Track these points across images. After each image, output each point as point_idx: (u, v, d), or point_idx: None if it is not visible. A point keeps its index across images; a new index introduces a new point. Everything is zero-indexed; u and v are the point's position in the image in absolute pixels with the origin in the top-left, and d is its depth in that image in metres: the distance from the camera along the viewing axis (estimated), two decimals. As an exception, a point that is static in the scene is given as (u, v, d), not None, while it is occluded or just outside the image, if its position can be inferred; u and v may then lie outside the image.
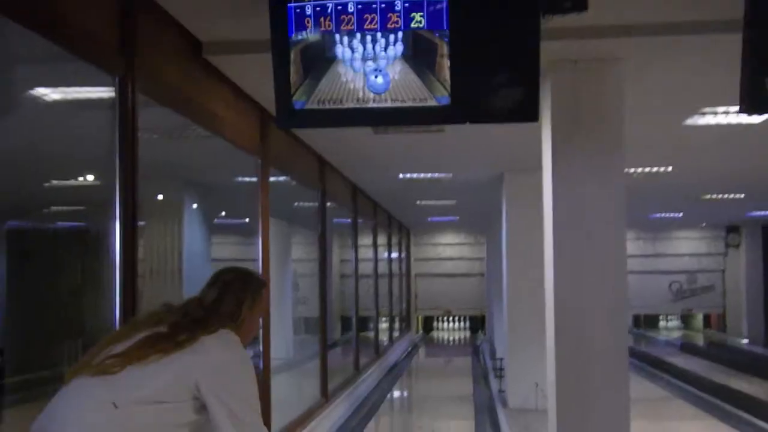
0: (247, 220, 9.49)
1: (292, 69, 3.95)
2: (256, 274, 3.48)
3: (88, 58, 4.23)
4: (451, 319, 27.89)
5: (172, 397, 2.89)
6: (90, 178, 7.53)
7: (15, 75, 5.12)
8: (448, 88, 3.88)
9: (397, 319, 22.49)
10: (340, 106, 3.94)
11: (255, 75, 5.94)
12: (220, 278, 3.36)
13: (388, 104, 3.91)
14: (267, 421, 7.20)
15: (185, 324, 3.07)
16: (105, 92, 4.59)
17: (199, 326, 3.05)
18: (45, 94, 5.53)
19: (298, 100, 3.96)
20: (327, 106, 3.95)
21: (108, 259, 4.49)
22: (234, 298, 3.24)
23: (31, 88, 5.38)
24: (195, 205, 10.68)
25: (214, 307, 3.19)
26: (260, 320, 3.62)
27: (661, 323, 28.01)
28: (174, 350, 2.94)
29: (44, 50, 3.92)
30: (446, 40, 3.88)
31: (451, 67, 3.87)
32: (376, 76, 3.89)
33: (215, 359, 2.97)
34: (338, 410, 10.89)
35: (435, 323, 28.20)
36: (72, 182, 7.54)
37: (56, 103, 5.72)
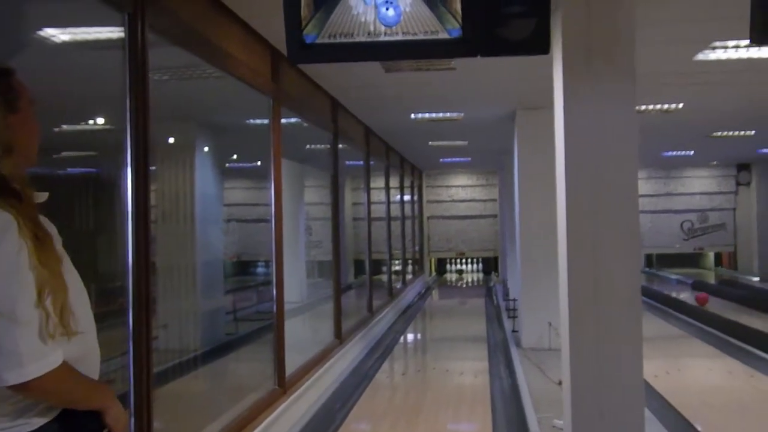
0: (259, 163, 9.50)
1: (303, 2, 3.92)
2: None
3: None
4: (463, 261, 27.97)
5: None
6: (101, 121, 7.52)
7: (23, 15, 5.09)
8: (460, 20, 3.85)
9: (410, 262, 22.57)
10: (351, 40, 3.91)
11: (265, 13, 5.91)
12: None
13: (400, 37, 3.88)
14: (280, 363, 7.32)
15: None
16: (114, 31, 4.56)
17: None
18: (53, 35, 5.50)
19: (309, 34, 3.92)
20: (338, 40, 3.92)
21: (120, 204, 4.50)
22: None
23: (39, 29, 5.35)
24: (207, 148, 10.69)
25: None
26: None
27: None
28: None
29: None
30: (458, -28, 3.85)
31: (463, -1, 3.84)
32: (387, 8, 3.86)
33: None
34: (352, 351, 10.97)
35: (448, 266, 28.28)
36: (83, 126, 7.53)
37: (65, 45, 5.70)
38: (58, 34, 5.54)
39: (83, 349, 2.44)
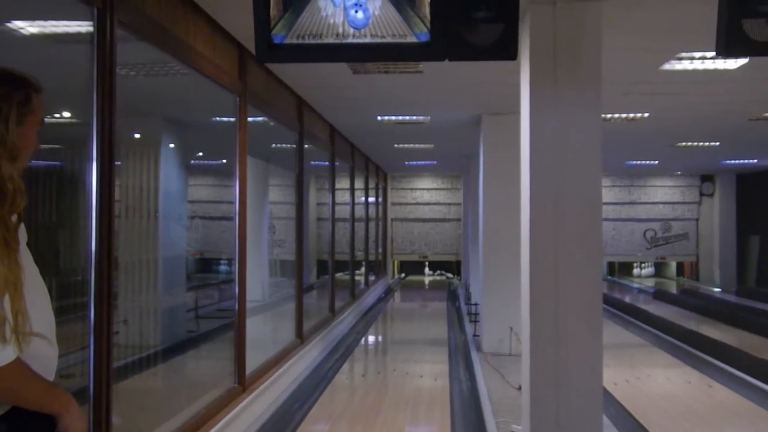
0: (224, 161, 9.46)
1: (272, 2, 3.93)
2: (20, 72, 2.47)
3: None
4: (427, 264, 28.02)
5: None
6: (67, 115, 7.46)
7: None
8: (428, 25, 3.88)
9: (373, 264, 22.55)
10: (319, 41, 3.93)
11: (234, 11, 5.91)
12: None
13: (368, 40, 3.90)
14: (241, 361, 7.30)
15: None
16: (83, 26, 4.53)
17: None
18: (21, 28, 5.47)
19: (278, 34, 3.94)
20: (307, 41, 3.93)
21: (84, 198, 4.47)
22: None
23: (7, 21, 5.31)
24: (172, 145, 10.62)
25: None
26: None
27: (635, 270, 28.26)
28: None
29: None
30: (426, -23, 3.88)
31: (431, 3, 3.87)
32: (356, 11, 3.88)
33: None
34: (313, 352, 10.96)
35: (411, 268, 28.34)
36: (48, 119, 7.46)
37: (33, 37, 5.66)
38: (27, 27, 5.51)
39: (39, 349, 2.39)
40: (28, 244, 2.45)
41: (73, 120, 7.35)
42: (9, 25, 5.36)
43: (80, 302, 4.59)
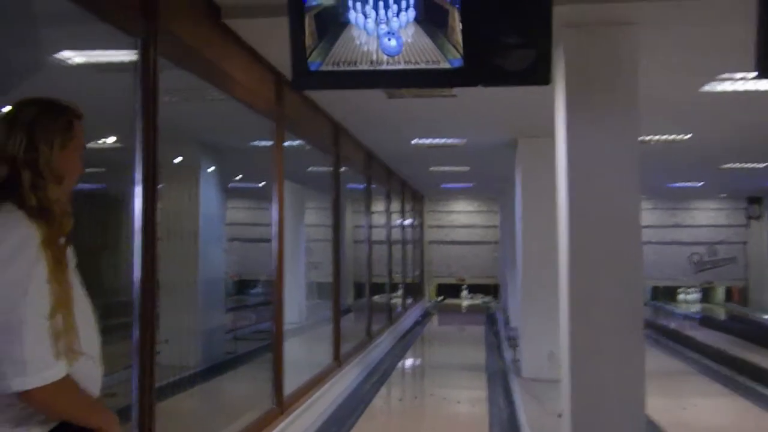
0: (261, 184, 9.56)
1: (307, 32, 4.03)
2: (62, 101, 2.64)
3: (112, 21, 4.31)
4: (464, 288, 27.81)
5: None
6: (111, 140, 7.62)
7: (41, 38, 5.21)
8: (461, 51, 3.95)
9: (410, 286, 22.50)
10: (354, 68, 4.01)
11: (271, 39, 6.00)
12: (18, 118, 2.54)
13: (402, 66, 3.98)
14: (279, 383, 7.35)
15: None
16: (127, 55, 4.67)
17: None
18: (69, 57, 5.63)
19: (314, 62, 4.03)
20: (341, 68, 4.02)
21: (128, 221, 4.58)
22: (43, 142, 2.51)
23: (56, 52, 5.47)
24: (211, 168, 10.77)
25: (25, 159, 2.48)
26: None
27: (680, 296, 27.54)
28: None
29: (69, 13, 4.00)
30: (457, 6, 3.95)
31: (464, 30, 3.93)
32: (389, 39, 3.96)
33: None
34: (350, 375, 10.97)
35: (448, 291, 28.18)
36: (93, 144, 7.62)
37: (80, 66, 5.83)
38: (74, 57, 5.68)
39: (85, 367, 2.51)
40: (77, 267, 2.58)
41: (118, 144, 7.50)
42: (58, 55, 5.53)
43: (123, 323, 4.69)
